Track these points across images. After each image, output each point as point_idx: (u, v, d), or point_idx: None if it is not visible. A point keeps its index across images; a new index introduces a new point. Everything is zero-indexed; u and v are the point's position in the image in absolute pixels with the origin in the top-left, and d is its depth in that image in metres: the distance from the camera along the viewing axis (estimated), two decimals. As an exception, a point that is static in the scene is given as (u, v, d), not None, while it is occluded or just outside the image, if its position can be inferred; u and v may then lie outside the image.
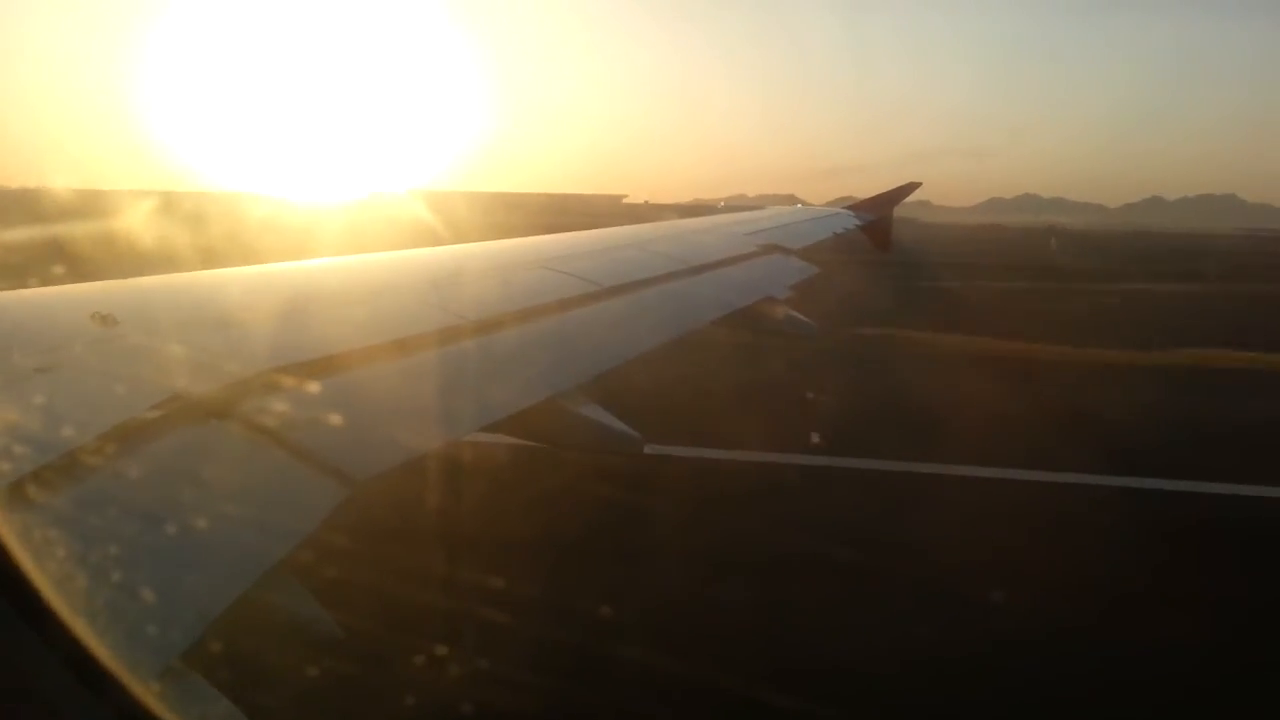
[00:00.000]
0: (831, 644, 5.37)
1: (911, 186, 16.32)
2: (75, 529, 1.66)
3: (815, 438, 9.48)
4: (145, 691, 1.43)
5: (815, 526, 7.18)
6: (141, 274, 3.36)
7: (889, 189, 15.61)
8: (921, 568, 6.25)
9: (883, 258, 17.13)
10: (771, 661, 5.16)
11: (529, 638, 4.86)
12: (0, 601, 1.42)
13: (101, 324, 2.54)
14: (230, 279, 3.74)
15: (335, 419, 2.51)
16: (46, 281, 3.22)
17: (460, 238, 5.70)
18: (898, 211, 15.80)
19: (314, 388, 2.57)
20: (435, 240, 5.84)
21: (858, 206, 14.88)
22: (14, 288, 3.01)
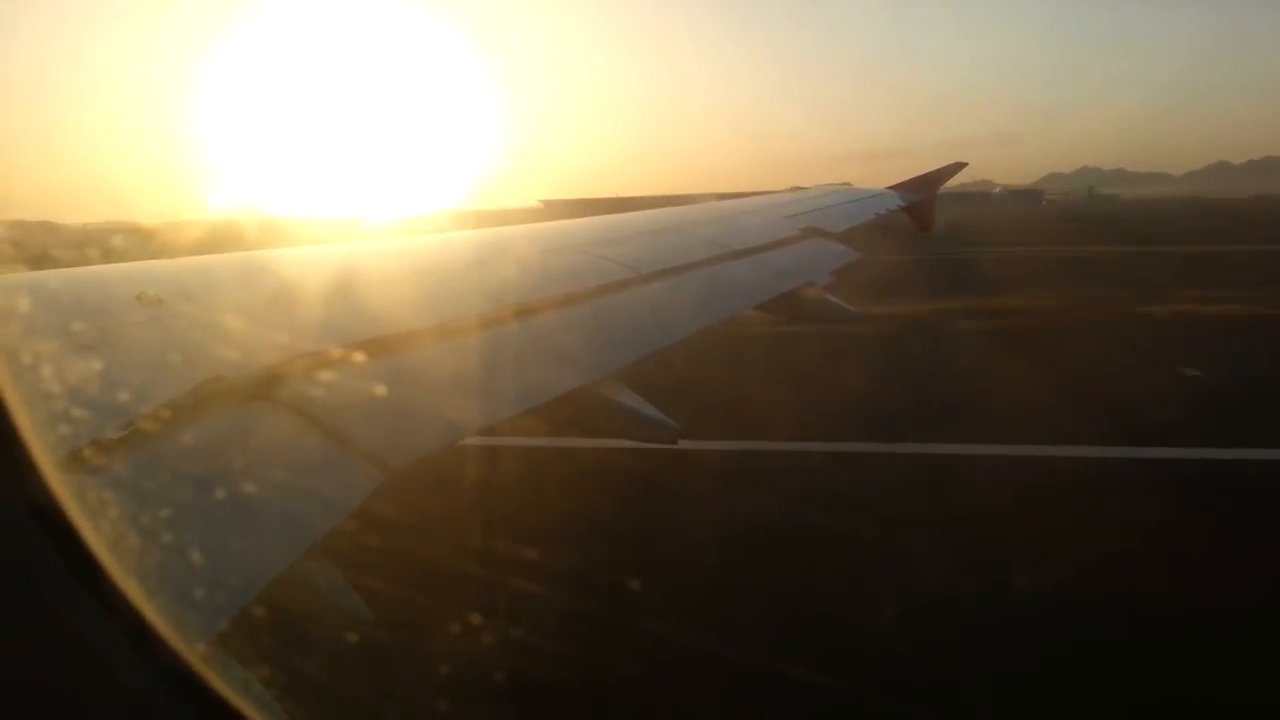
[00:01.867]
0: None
1: (957, 167, 16.03)
2: (117, 508, 1.70)
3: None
4: (192, 654, 1.48)
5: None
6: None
7: (934, 169, 15.32)
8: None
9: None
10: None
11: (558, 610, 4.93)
12: (59, 569, 1.46)
13: (147, 304, 2.59)
14: (273, 261, 3.78)
15: (373, 403, 2.54)
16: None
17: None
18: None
19: (353, 371, 2.60)
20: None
21: (901, 187, 14.65)
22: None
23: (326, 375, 2.50)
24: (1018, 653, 5.10)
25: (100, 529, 1.53)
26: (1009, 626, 5.38)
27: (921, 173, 14.97)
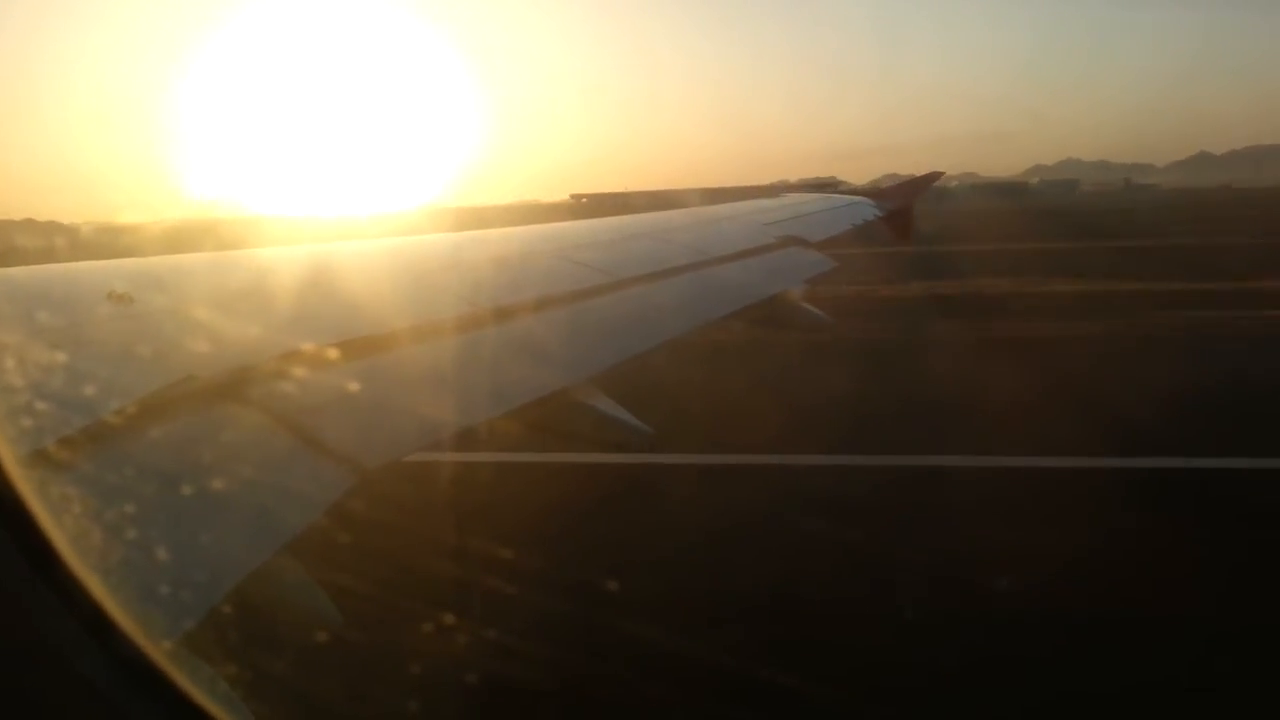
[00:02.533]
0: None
1: (934, 176, 16.15)
2: (83, 508, 1.69)
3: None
4: (156, 650, 1.48)
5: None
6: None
7: (914, 176, 15.43)
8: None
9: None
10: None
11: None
12: (20, 564, 1.46)
13: (118, 302, 2.57)
14: (247, 259, 3.77)
15: (346, 403, 2.54)
16: None
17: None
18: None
19: (327, 371, 2.59)
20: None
21: (879, 195, 14.72)
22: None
23: (300, 374, 2.49)
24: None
25: (63, 525, 1.52)
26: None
27: (904, 178, 15.10)
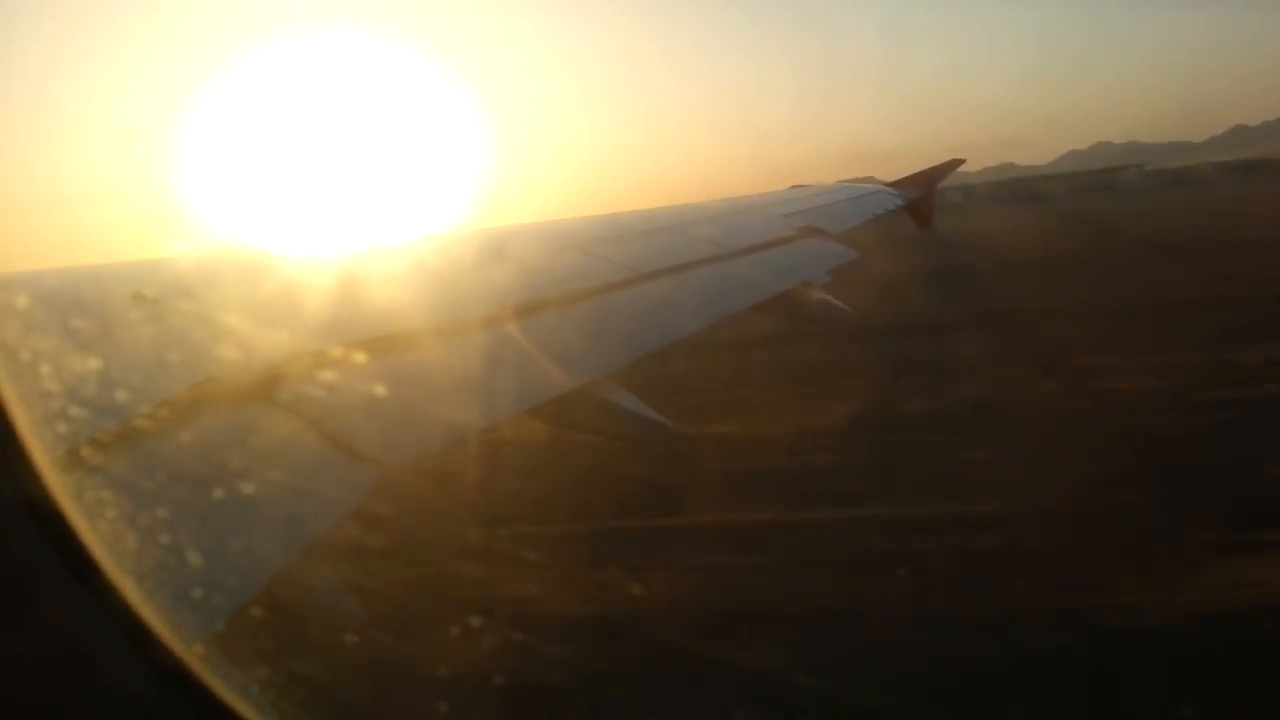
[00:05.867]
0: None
1: (955, 163, 15.96)
2: (114, 507, 1.70)
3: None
4: (189, 654, 1.48)
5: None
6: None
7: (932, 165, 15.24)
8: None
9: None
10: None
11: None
12: (57, 565, 1.47)
13: (143, 303, 2.59)
14: (272, 260, 3.78)
15: (370, 403, 2.54)
16: None
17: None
18: None
19: (350, 371, 2.59)
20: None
21: (899, 184, 14.57)
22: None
23: (325, 375, 2.50)
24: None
25: (98, 528, 1.53)
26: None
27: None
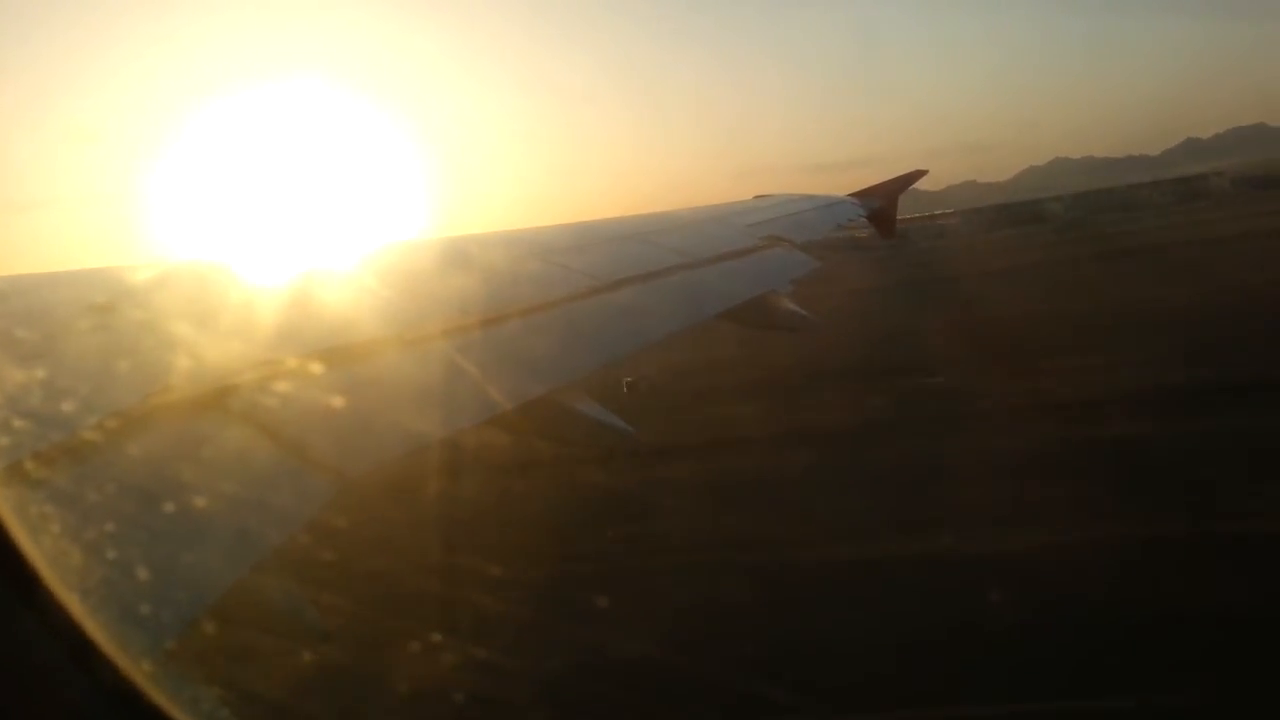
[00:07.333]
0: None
1: (917, 174, 16.17)
2: (66, 518, 1.66)
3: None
4: (137, 671, 1.45)
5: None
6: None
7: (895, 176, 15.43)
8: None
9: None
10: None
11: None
12: (3, 594, 1.43)
13: (100, 312, 2.54)
14: (229, 268, 3.73)
15: (330, 412, 2.51)
16: None
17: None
18: None
19: (309, 380, 2.56)
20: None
21: (862, 194, 14.73)
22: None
23: (282, 384, 2.46)
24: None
25: (41, 544, 1.49)
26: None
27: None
